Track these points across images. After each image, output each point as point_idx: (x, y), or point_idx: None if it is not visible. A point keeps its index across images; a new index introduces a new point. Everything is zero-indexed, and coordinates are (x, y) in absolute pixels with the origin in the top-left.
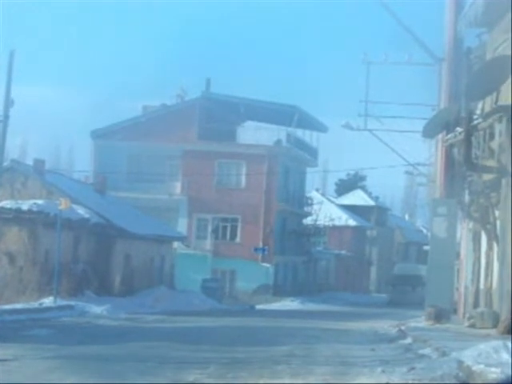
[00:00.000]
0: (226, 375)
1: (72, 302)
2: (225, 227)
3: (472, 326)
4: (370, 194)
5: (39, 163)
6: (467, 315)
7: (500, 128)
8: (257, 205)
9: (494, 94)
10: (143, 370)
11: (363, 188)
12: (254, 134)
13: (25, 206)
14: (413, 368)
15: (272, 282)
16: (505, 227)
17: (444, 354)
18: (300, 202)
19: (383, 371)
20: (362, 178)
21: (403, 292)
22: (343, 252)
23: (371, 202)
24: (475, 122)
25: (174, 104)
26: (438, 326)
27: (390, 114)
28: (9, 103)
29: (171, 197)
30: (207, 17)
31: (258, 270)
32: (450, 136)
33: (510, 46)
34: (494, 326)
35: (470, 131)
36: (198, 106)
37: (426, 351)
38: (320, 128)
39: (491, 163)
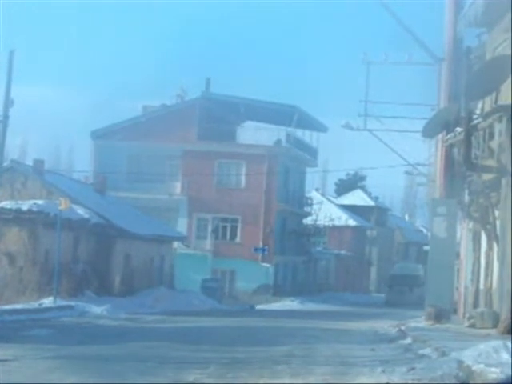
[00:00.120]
0: (225, 375)
1: (72, 302)
2: (225, 227)
3: (472, 325)
4: (369, 194)
5: (39, 163)
6: (467, 315)
7: (500, 128)
8: (257, 205)
9: (494, 94)
10: (143, 370)
11: (363, 188)
12: (253, 134)
13: (25, 206)
14: (413, 368)
15: (272, 282)
16: (505, 227)
17: (444, 354)
18: (300, 202)
19: (383, 371)
20: (362, 178)
21: (400, 292)
22: (343, 252)
23: (371, 202)
24: (475, 121)
25: (173, 104)
26: (437, 326)
27: (389, 113)
28: (9, 103)
29: (171, 197)
30: (207, 17)
31: (257, 270)
32: (449, 136)
33: (510, 46)
34: (494, 326)
35: (469, 131)
36: (198, 106)
37: (426, 351)
38: (320, 128)
39: (491, 163)
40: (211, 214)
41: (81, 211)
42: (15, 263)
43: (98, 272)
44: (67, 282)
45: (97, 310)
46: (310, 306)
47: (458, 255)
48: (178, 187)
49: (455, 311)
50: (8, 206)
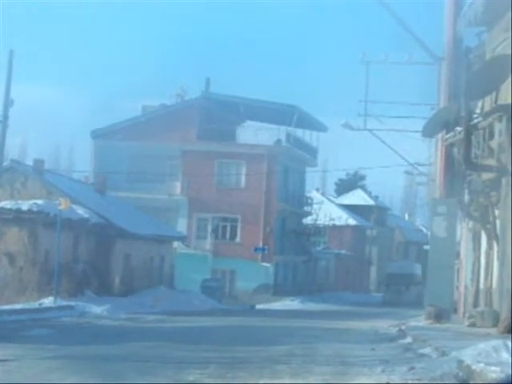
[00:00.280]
0: (225, 375)
1: (72, 302)
2: (225, 227)
3: (472, 325)
4: (369, 194)
5: (39, 163)
6: (467, 314)
7: (500, 127)
8: (257, 204)
9: (494, 94)
10: (143, 370)
11: (363, 187)
12: (253, 133)
13: (25, 206)
14: (413, 367)
15: (272, 281)
16: (505, 226)
17: (444, 354)
18: (300, 202)
19: (383, 371)
20: (362, 178)
21: (397, 291)
22: (343, 252)
23: (371, 202)
24: (475, 121)
25: (173, 104)
26: (437, 325)
27: (389, 113)
28: (8, 103)
29: (171, 197)
30: (207, 17)
31: (257, 269)
32: (449, 135)
33: (510, 46)
34: (494, 326)
35: (469, 130)
36: (198, 105)
37: (426, 351)
38: (320, 128)
39: (491, 162)
40: (211, 214)
41: (81, 211)
42: (15, 263)
43: (98, 272)
44: (67, 282)
45: (97, 309)
46: (310, 306)
47: (458, 255)
48: (177, 187)
49: (455, 311)
50: (8, 206)
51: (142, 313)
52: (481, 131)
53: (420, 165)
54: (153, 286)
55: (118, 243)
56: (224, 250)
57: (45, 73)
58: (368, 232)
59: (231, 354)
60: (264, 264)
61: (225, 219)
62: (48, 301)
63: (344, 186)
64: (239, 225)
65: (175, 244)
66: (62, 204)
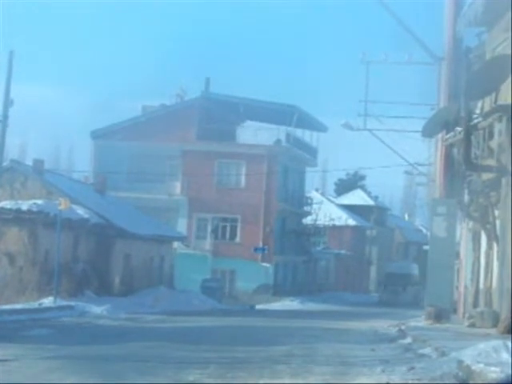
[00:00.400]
0: (225, 375)
1: (72, 302)
2: (224, 227)
3: (472, 325)
4: (369, 194)
5: (39, 163)
6: (467, 315)
7: (499, 127)
8: (256, 205)
9: (494, 94)
10: (143, 370)
11: (363, 188)
12: (253, 133)
13: (24, 206)
14: (413, 368)
15: (272, 281)
16: (504, 227)
17: (444, 354)
18: (300, 202)
19: (383, 371)
20: (362, 178)
21: (394, 292)
22: (343, 252)
23: (371, 202)
24: (475, 121)
25: (173, 104)
26: (437, 325)
27: (389, 113)
28: (8, 103)
29: (171, 197)
30: (207, 17)
31: (257, 269)
32: (449, 135)
33: (510, 46)
34: (494, 326)
35: (469, 131)
36: (198, 105)
37: (426, 351)
38: (319, 128)
39: (491, 162)
40: (211, 214)
41: (81, 211)
42: (15, 263)
43: (97, 272)
44: (67, 282)
45: (97, 309)
46: (310, 306)
47: (457, 255)
48: (177, 187)
49: (455, 311)
50: (8, 206)
51: (142, 313)
52: (481, 131)
53: (420, 165)
54: (153, 286)
55: (117, 243)
56: (224, 250)
57: (45, 73)
58: (368, 232)
59: (231, 354)
60: (264, 264)
61: (225, 219)
62: (48, 301)
63: (344, 186)
64: (239, 225)
65: (175, 244)
66: (62, 204)
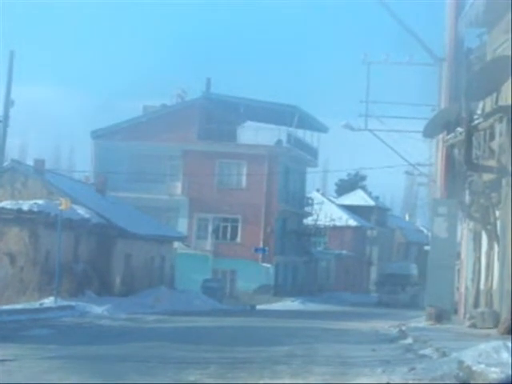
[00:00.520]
0: (226, 375)
1: (72, 302)
2: (225, 227)
3: (472, 326)
4: (370, 194)
5: (40, 163)
6: (468, 315)
7: (500, 128)
8: (257, 205)
9: (495, 95)
10: (144, 370)
11: (363, 188)
12: (254, 134)
13: (25, 206)
14: (413, 368)
15: (272, 282)
16: (505, 227)
17: (444, 355)
18: (300, 202)
19: (384, 371)
20: (363, 178)
21: (392, 292)
22: (343, 252)
23: (371, 202)
24: (476, 122)
25: (174, 104)
26: (438, 326)
27: (390, 114)
28: (9, 103)
29: (172, 197)
30: (207, 17)
31: (258, 270)
32: (450, 136)
33: (510, 47)
34: (495, 326)
35: (470, 131)
36: (198, 106)
37: (427, 351)
38: (320, 128)
39: (491, 163)
40: (212, 214)
41: (81, 211)
42: (16, 263)
43: (98, 272)
44: (68, 282)
45: (97, 309)
46: (311, 306)
47: (458, 255)
48: (178, 187)
49: (456, 311)
50: (9, 206)
51: (143, 313)
52: (481, 132)
53: (421, 165)
54: (153, 286)
55: (118, 243)
56: (224, 250)
57: (45, 73)
58: (368, 232)
59: (232, 355)
60: (264, 264)
61: (225, 219)
62: (48, 301)
63: (344, 187)
64: (240, 225)
65: (176, 244)
66: (63, 204)
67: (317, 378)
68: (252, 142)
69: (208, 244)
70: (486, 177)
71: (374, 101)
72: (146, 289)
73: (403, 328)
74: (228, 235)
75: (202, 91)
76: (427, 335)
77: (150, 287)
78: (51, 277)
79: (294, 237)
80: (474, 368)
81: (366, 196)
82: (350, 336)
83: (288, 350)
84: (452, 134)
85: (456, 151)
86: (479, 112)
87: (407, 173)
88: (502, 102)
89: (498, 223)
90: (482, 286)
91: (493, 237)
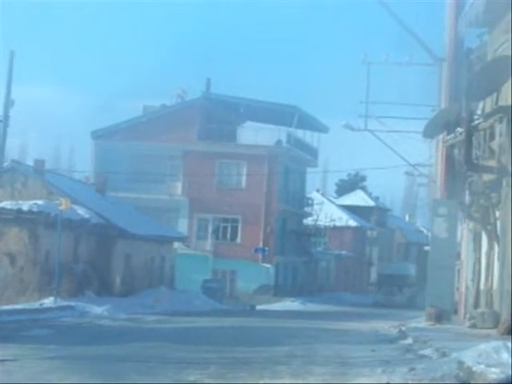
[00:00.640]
0: (226, 375)
1: (72, 303)
2: (225, 227)
3: (473, 326)
4: (370, 195)
5: (39, 163)
6: (468, 316)
7: (500, 128)
8: (257, 205)
9: (495, 95)
10: (144, 371)
11: (363, 188)
12: (254, 134)
13: (25, 206)
14: (413, 368)
15: (272, 282)
16: (505, 227)
17: (444, 355)
18: (300, 203)
19: (384, 371)
20: (363, 179)
21: (389, 293)
22: (343, 252)
23: (371, 203)
24: (476, 122)
25: (174, 104)
26: (438, 326)
27: (390, 114)
28: (9, 103)
29: (172, 197)
30: (207, 17)
31: (258, 270)
32: (450, 136)
33: (510, 47)
34: (495, 327)
35: (470, 132)
36: (199, 106)
37: (427, 352)
38: (320, 128)
39: (492, 163)
40: (212, 215)
41: (81, 211)
42: (16, 263)
43: (98, 272)
44: (68, 282)
45: (97, 310)
46: (311, 307)
47: (458, 256)
48: (178, 187)
49: (456, 312)
50: (8, 206)
51: (143, 313)
52: (481, 132)
53: (421, 166)
54: (153, 286)
55: (118, 243)
56: (224, 250)
57: (45, 73)
58: (368, 233)
59: (232, 355)
60: (264, 265)
61: (225, 220)
62: (48, 301)
63: (344, 187)
64: (240, 225)
65: (176, 244)
66: (63, 204)
67: (317, 379)
68: (252, 142)
69: (208, 244)
70: (486, 177)
71: (374, 101)
72: (145, 289)
73: (403, 328)
74: (228, 235)
75: (201, 91)
76: (427, 335)
77: (149, 287)
78: (51, 277)
79: (293, 237)
80: (474, 368)
81: (365, 196)
82: (350, 336)
83: (288, 351)
84: (452, 135)
85: (456, 151)
86: (479, 112)
87: (407, 173)
88: (502, 102)
89: (498, 223)
90: (482, 287)
91: (493, 237)
